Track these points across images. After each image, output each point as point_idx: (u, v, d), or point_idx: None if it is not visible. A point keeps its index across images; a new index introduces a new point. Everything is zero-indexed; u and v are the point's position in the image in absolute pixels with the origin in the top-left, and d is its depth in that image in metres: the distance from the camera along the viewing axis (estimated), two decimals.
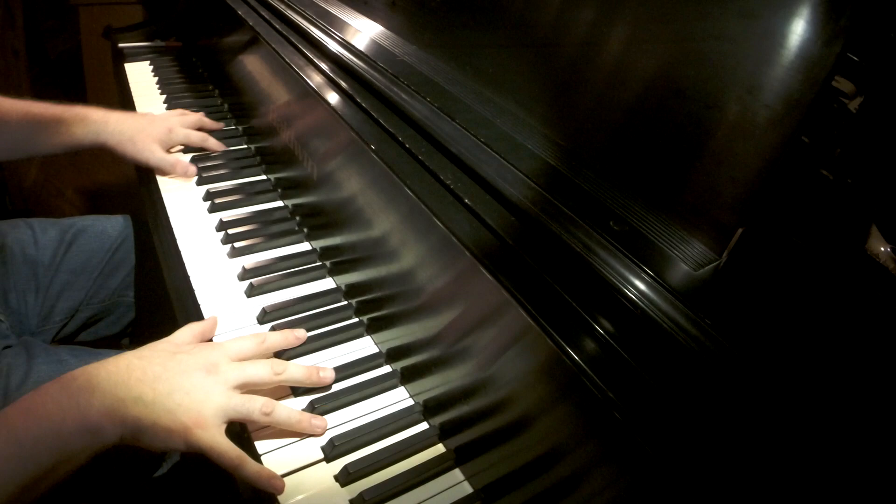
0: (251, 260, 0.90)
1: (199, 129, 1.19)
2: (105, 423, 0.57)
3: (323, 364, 0.74)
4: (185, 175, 1.09)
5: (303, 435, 0.66)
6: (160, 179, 1.09)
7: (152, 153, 1.07)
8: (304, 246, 0.95)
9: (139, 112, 1.12)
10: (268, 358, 0.70)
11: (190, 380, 0.62)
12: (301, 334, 0.74)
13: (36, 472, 0.53)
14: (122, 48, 1.61)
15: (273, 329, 0.78)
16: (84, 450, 0.57)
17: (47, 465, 0.54)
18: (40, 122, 1.01)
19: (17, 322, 1.01)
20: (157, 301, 1.01)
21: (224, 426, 0.62)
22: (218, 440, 0.60)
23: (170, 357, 0.64)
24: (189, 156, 1.14)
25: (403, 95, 0.79)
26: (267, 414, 0.63)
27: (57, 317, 1.05)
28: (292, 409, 0.66)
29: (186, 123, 1.17)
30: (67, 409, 0.56)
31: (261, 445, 0.65)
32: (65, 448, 0.55)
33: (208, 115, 1.30)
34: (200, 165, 1.12)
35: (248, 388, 0.65)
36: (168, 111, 1.23)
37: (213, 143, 1.17)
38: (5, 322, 0.95)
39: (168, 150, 1.12)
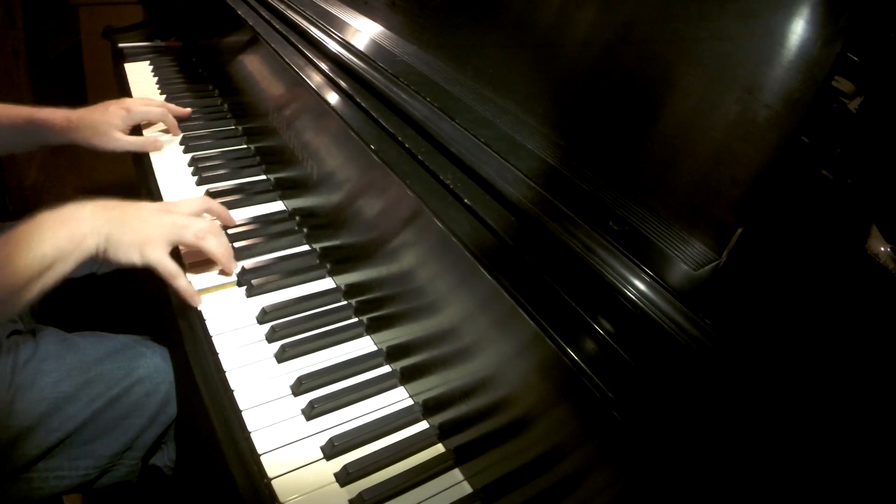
0: (251, 260, 0.90)
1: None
2: (88, 233, 0.77)
3: (322, 364, 0.75)
4: (154, 149, 1.17)
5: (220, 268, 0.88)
6: (161, 179, 1.09)
7: (117, 140, 1.14)
8: (304, 246, 0.95)
9: (99, 105, 1.17)
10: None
11: (148, 214, 0.84)
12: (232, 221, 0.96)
13: (42, 264, 0.72)
14: (122, 48, 1.61)
15: (274, 327, 0.78)
16: (73, 253, 0.75)
17: (49, 260, 0.73)
18: (12, 127, 1.07)
19: (24, 311, 1.02)
20: (157, 299, 1.01)
21: (168, 248, 0.82)
22: (162, 257, 0.81)
23: (136, 202, 0.87)
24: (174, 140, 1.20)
25: (403, 95, 0.79)
26: (199, 238, 0.84)
27: (58, 308, 1.06)
28: (221, 242, 0.87)
29: (145, 103, 1.21)
30: (64, 221, 0.77)
31: (260, 445, 0.65)
32: (61, 248, 0.74)
33: (208, 115, 1.31)
34: (200, 165, 1.12)
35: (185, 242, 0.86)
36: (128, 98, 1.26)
37: (173, 117, 1.23)
38: None
39: (130, 131, 1.17)
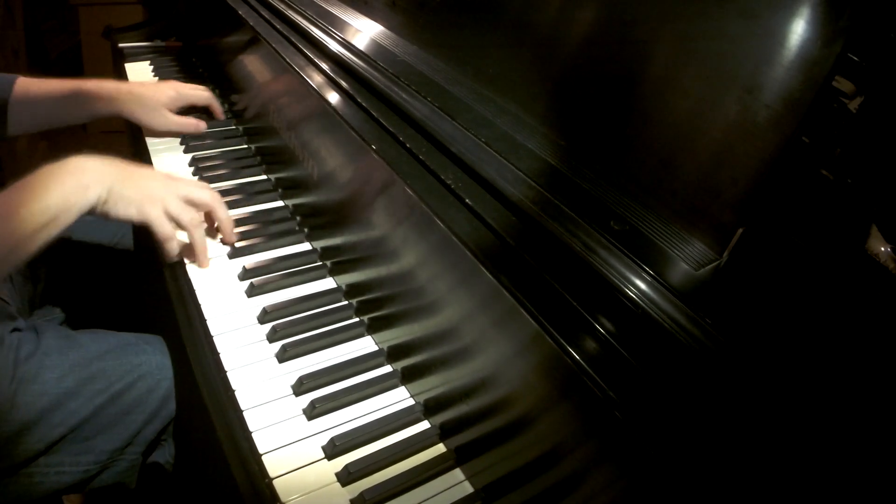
0: (251, 260, 0.90)
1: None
2: (93, 183, 0.79)
3: (323, 364, 0.75)
4: (197, 130, 1.20)
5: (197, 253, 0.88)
6: None
7: (164, 118, 1.17)
8: (304, 246, 0.95)
9: (148, 82, 1.22)
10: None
11: (154, 177, 0.88)
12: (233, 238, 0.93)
13: (46, 215, 0.74)
14: (122, 48, 1.61)
15: (275, 327, 0.78)
16: (76, 203, 0.77)
17: (54, 210, 0.75)
18: (61, 98, 1.11)
19: (24, 307, 1.02)
20: (158, 300, 1.01)
21: (166, 214, 0.85)
22: (160, 216, 0.84)
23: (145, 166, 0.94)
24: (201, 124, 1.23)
25: (404, 95, 0.79)
26: (193, 226, 0.87)
27: (58, 307, 1.06)
28: (205, 239, 0.89)
29: (194, 88, 1.24)
30: (69, 171, 0.79)
31: (261, 445, 0.65)
32: (65, 198, 0.76)
33: (208, 114, 1.30)
34: (200, 166, 1.12)
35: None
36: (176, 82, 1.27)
37: (217, 108, 1.27)
38: (12, 305, 0.96)
39: (178, 112, 1.20)
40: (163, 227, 0.84)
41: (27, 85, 1.09)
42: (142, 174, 0.86)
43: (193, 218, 0.87)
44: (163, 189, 0.85)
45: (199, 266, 0.88)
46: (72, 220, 0.78)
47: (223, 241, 0.92)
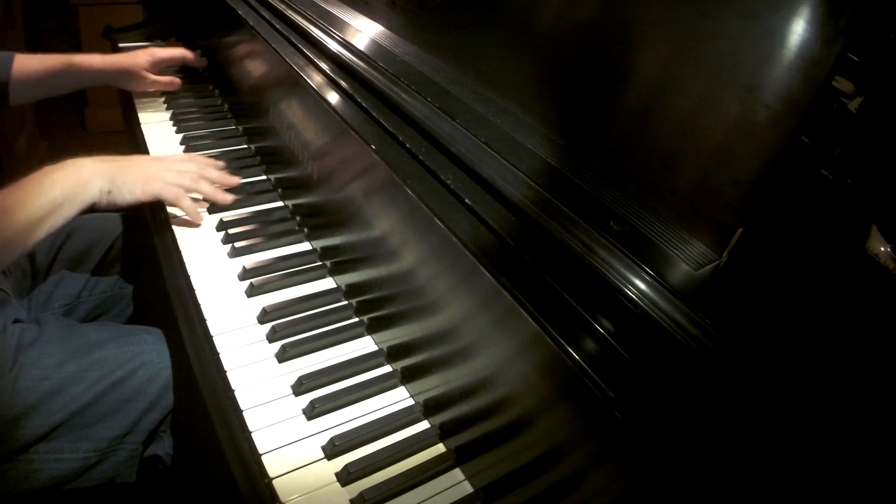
0: (251, 260, 0.90)
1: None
2: (94, 176, 0.88)
3: (323, 364, 0.75)
4: (174, 86, 1.36)
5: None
6: None
7: (145, 81, 1.33)
8: (304, 246, 0.95)
9: (125, 53, 1.35)
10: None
11: (144, 160, 1.01)
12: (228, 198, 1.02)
13: (52, 205, 0.82)
14: (123, 48, 1.60)
15: (275, 327, 0.78)
16: (79, 195, 0.86)
17: (59, 201, 0.83)
18: (55, 72, 1.23)
19: (24, 301, 1.02)
20: (158, 299, 1.02)
21: (168, 186, 0.95)
22: (164, 187, 0.95)
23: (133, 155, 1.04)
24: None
25: (404, 95, 0.79)
26: (194, 182, 0.98)
27: (56, 303, 1.07)
28: (196, 205, 0.98)
29: (166, 50, 1.38)
30: (70, 168, 0.87)
31: (261, 445, 0.65)
32: (68, 190, 0.85)
33: (208, 114, 1.31)
34: None
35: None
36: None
37: (190, 56, 1.41)
38: (12, 298, 0.96)
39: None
40: (170, 192, 0.94)
41: (24, 61, 1.20)
42: (133, 160, 0.96)
43: (192, 175, 0.98)
44: (155, 167, 0.96)
45: (194, 223, 0.97)
46: (74, 212, 0.85)
47: (218, 201, 1.00)
